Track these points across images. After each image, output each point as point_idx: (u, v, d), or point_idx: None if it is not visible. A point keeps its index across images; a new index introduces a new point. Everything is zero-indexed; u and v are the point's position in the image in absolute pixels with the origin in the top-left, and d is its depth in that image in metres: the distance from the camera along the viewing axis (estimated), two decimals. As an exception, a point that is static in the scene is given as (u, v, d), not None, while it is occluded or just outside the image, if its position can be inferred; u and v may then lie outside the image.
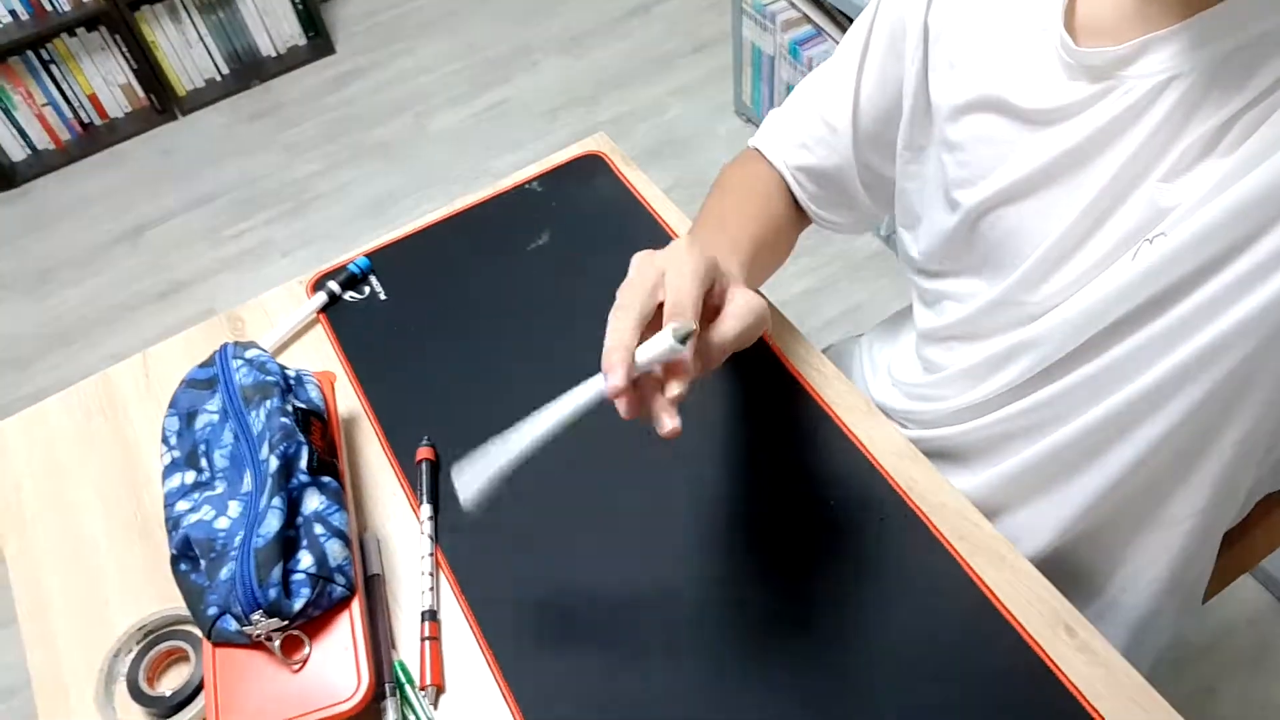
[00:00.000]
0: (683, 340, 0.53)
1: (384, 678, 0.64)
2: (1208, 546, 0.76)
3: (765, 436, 0.76)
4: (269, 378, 0.70)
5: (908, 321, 0.90)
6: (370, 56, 2.63)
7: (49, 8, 2.29)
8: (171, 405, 0.73)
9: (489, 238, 0.92)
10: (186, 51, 2.50)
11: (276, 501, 0.64)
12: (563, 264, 0.89)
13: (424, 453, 0.76)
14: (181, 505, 0.67)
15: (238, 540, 0.63)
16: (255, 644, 0.62)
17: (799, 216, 0.85)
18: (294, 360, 0.84)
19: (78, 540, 0.76)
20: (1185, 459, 0.66)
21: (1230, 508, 0.72)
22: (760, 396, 0.79)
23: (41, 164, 2.44)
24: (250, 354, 0.73)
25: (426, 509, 0.73)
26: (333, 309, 0.88)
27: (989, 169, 0.67)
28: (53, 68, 2.37)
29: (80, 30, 2.35)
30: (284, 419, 0.68)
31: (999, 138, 0.65)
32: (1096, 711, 0.61)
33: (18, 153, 2.44)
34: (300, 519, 0.65)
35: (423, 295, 0.88)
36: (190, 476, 0.69)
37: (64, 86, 2.41)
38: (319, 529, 0.65)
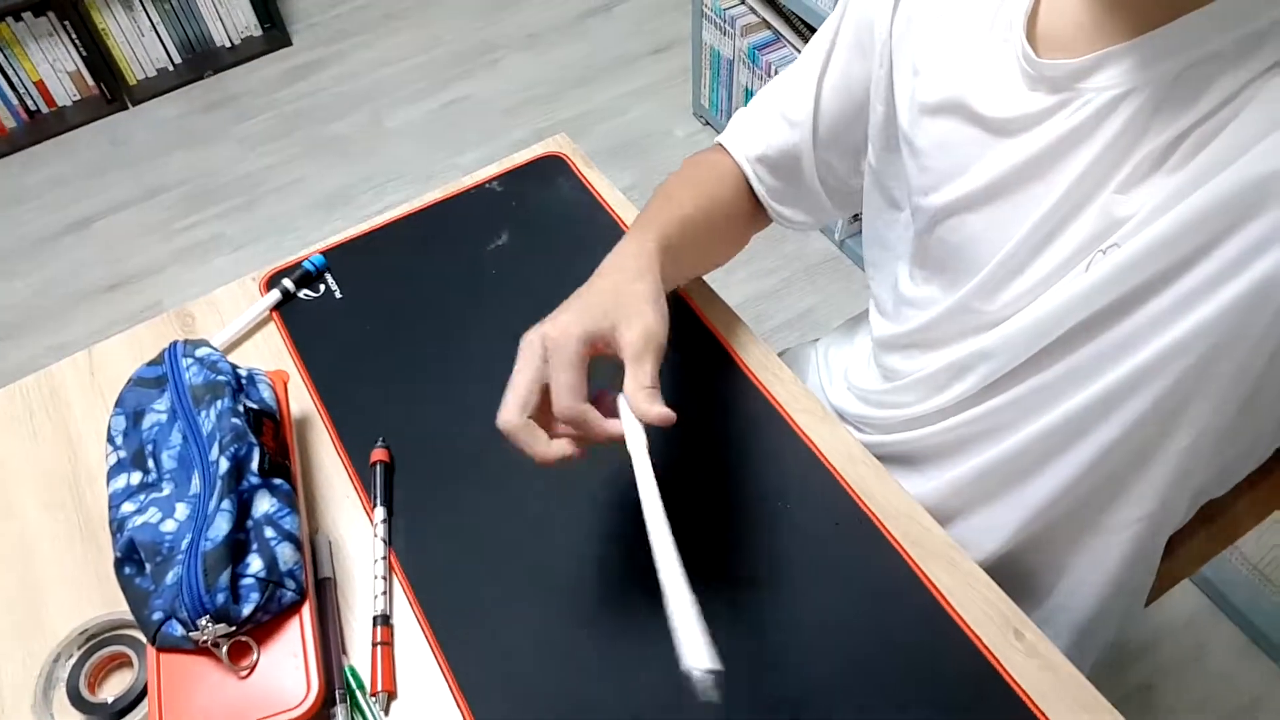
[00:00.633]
0: None
1: (334, 684, 0.64)
2: (1152, 551, 0.77)
3: (719, 439, 0.77)
4: (220, 377, 0.69)
5: (863, 326, 0.90)
6: (328, 49, 2.59)
7: (-6, -9, 2.23)
8: (118, 404, 0.71)
9: (447, 237, 0.92)
10: (138, 39, 2.45)
11: (226, 504, 0.62)
12: (522, 264, 0.89)
13: (379, 454, 0.75)
14: (127, 507, 0.66)
15: (185, 543, 0.62)
16: (201, 650, 0.61)
17: (755, 210, 0.85)
18: (246, 359, 0.83)
19: (18, 541, 0.74)
20: (1134, 465, 0.67)
21: (1175, 513, 0.74)
22: (715, 399, 0.79)
23: (-15, 151, 2.38)
24: (201, 352, 0.71)
25: (380, 512, 0.72)
26: (286, 307, 0.87)
27: (950, 175, 0.67)
28: (-2, 52, 2.31)
29: (27, 15, 2.28)
30: (235, 420, 0.66)
31: (961, 144, 0.66)
32: (1043, 713, 0.62)
33: (-40, 139, 2.37)
34: (251, 522, 0.64)
35: (379, 294, 0.87)
36: (136, 477, 0.68)
37: (9, 72, 2.34)
38: (270, 532, 0.64)
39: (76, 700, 0.64)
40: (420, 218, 0.93)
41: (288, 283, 0.87)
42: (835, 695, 0.63)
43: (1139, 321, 0.60)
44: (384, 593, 0.68)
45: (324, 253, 0.90)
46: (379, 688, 0.64)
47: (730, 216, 0.83)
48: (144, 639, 0.63)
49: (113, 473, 0.68)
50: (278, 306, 0.87)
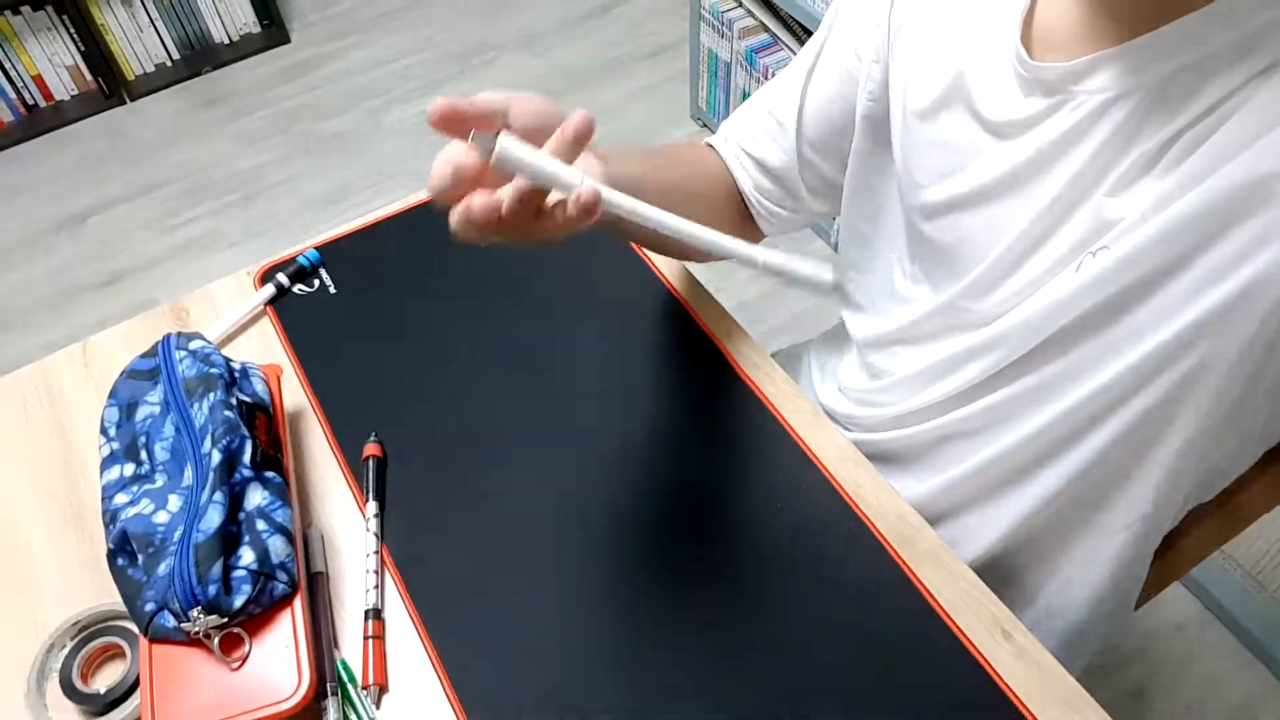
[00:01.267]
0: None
1: (325, 677, 0.64)
2: (1142, 555, 0.77)
3: (712, 440, 0.77)
4: (213, 370, 0.69)
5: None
6: (326, 47, 2.59)
7: (-8, -15, 2.23)
8: (111, 396, 0.71)
9: (442, 234, 0.91)
10: (137, 35, 2.44)
11: (218, 496, 0.63)
12: (516, 262, 0.89)
13: (371, 449, 0.75)
14: (120, 498, 0.66)
15: (177, 535, 0.62)
16: (193, 641, 0.61)
17: (733, 205, 0.85)
18: (240, 353, 0.83)
19: (11, 532, 0.74)
20: (1126, 468, 0.68)
21: (1167, 516, 0.74)
22: (708, 399, 0.79)
23: (-18, 145, 2.37)
24: (194, 345, 0.72)
25: (372, 506, 0.72)
26: (281, 302, 0.87)
27: (945, 174, 0.68)
28: (-5, 46, 2.31)
29: (25, 9, 2.28)
30: (228, 412, 0.66)
31: (956, 144, 0.66)
32: (1030, 712, 0.62)
33: (-43, 133, 2.37)
34: (243, 514, 0.64)
35: (373, 290, 0.87)
36: (129, 469, 0.68)
37: (7, 66, 2.34)
38: (261, 525, 0.64)
39: (69, 691, 0.65)
40: (415, 214, 0.94)
41: (282, 277, 0.87)
42: (823, 694, 0.64)
43: (1129, 323, 0.60)
44: (376, 587, 0.68)
45: (319, 248, 0.90)
46: (370, 681, 0.64)
47: (703, 194, 0.82)
48: (136, 630, 0.63)
49: (106, 464, 0.68)
50: (272, 301, 0.87)
